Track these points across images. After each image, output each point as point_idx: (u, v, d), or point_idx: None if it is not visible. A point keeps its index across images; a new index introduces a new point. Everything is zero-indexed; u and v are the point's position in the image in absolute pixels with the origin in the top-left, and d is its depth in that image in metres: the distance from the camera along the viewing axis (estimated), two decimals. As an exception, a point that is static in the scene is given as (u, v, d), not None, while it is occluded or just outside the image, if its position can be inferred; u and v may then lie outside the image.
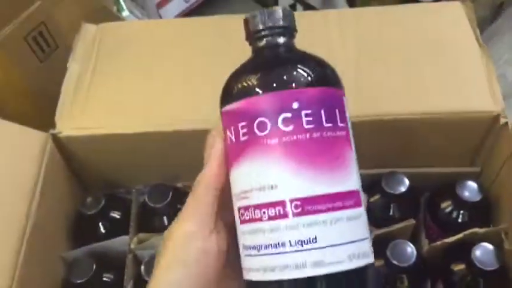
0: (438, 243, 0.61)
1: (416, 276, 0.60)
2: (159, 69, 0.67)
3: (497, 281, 0.58)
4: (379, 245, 0.60)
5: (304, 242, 0.27)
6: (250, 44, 0.32)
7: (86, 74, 0.67)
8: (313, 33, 0.67)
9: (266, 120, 0.28)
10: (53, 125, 0.63)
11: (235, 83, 0.30)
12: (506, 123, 0.59)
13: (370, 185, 0.66)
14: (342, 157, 0.29)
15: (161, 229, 0.63)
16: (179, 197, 0.63)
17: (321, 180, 0.27)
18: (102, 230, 0.65)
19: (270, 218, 0.27)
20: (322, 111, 0.28)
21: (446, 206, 0.64)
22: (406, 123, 0.60)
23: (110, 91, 0.66)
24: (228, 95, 0.30)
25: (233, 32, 0.74)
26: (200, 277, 0.29)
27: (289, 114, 0.27)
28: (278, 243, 0.27)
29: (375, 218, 0.65)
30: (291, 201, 0.27)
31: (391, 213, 0.64)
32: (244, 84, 0.29)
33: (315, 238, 0.27)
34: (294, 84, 0.28)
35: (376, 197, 0.65)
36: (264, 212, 0.28)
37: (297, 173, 0.27)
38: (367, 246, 0.29)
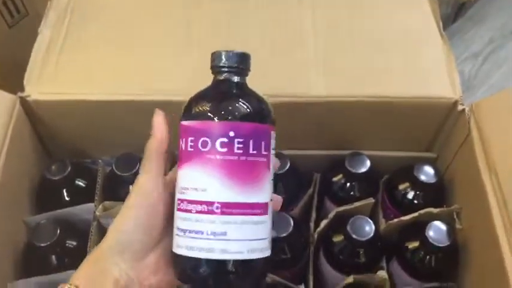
0: (395, 220, 0.64)
1: (373, 251, 0.63)
2: (131, 38, 0.67)
3: (447, 257, 0.61)
4: (340, 221, 0.63)
5: (217, 233, 0.36)
6: (212, 73, 0.40)
7: (58, 40, 0.67)
8: (286, 14, 0.69)
9: (208, 140, 0.37)
10: (20, 91, 0.62)
11: (193, 104, 0.39)
12: (464, 110, 0.62)
13: (334, 165, 0.69)
14: (259, 177, 0.38)
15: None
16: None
17: (240, 192, 0.37)
18: (67, 197, 0.65)
19: (197, 212, 0.37)
20: (251, 141, 0.37)
21: (404, 187, 0.67)
22: (370, 105, 0.63)
23: (81, 58, 0.66)
24: (187, 112, 0.39)
25: (206, 2, 0.76)
26: (153, 217, 0.38)
27: (225, 140, 0.37)
28: (198, 231, 0.37)
29: (337, 196, 0.67)
30: (214, 203, 0.36)
31: (352, 192, 0.67)
32: (199, 108, 0.38)
33: (225, 232, 0.36)
34: (234, 117, 0.37)
35: (339, 176, 0.67)
36: (194, 206, 0.37)
37: (223, 183, 0.36)
38: (265, 245, 0.38)
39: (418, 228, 0.61)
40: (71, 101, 0.62)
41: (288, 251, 0.62)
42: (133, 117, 0.64)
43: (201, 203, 0.37)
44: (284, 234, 0.59)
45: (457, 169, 0.66)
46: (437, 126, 0.67)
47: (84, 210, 0.64)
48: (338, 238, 0.63)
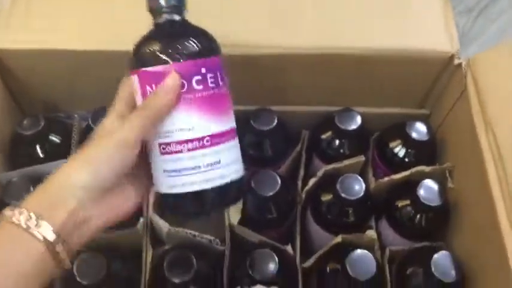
0: (385, 179, 0.62)
1: (362, 211, 0.61)
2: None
3: (438, 216, 0.60)
4: (329, 179, 0.60)
5: (212, 164, 0.40)
6: (153, 16, 0.41)
7: (27, -15, 0.61)
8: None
9: (183, 81, 0.38)
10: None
11: (152, 50, 0.39)
12: (460, 64, 0.59)
13: (323, 121, 0.66)
14: (229, 105, 0.42)
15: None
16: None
17: (220, 122, 0.40)
18: (41, 153, 0.61)
19: (189, 150, 0.39)
20: (218, 74, 0.40)
21: (395, 145, 0.64)
22: (359, 59, 0.60)
23: (52, 5, 0.61)
24: (147, 59, 0.39)
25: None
26: (119, 156, 0.38)
27: (199, 77, 0.38)
28: (195, 167, 0.39)
29: (326, 154, 0.65)
30: (204, 137, 0.39)
31: (341, 149, 0.64)
32: (162, 53, 0.38)
33: (219, 161, 0.40)
34: (201, 55, 0.39)
35: (329, 133, 0.64)
36: (184, 146, 0.39)
37: (207, 118, 0.39)
38: (242, 163, 0.43)
39: (409, 187, 0.59)
40: (42, 50, 0.58)
41: (274, 210, 0.59)
42: (109, 69, 0.60)
43: (191, 140, 0.39)
44: (271, 193, 0.56)
45: (450, 126, 0.64)
46: (431, 81, 0.64)
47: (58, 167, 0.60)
48: (327, 197, 0.60)
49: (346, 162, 0.62)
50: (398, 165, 0.63)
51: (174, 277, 0.51)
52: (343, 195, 0.57)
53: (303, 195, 0.62)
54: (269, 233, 0.60)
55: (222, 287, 0.56)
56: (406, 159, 0.64)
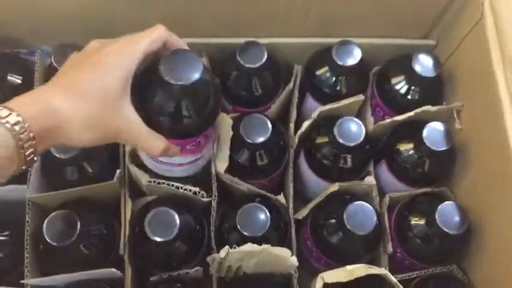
0: (387, 121, 0.56)
1: (361, 157, 0.55)
2: None
3: (444, 161, 0.55)
4: (325, 122, 0.54)
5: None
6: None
7: None
8: None
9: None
10: None
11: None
12: (477, -12, 0.52)
13: (318, 55, 0.59)
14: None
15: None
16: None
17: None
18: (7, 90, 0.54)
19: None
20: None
21: (397, 81, 0.58)
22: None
23: None
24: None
25: None
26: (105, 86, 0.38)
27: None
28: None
29: (322, 93, 0.58)
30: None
31: (339, 87, 0.57)
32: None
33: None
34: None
35: (325, 68, 0.57)
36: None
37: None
38: None
39: (413, 128, 0.54)
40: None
41: (265, 157, 0.54)
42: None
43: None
44: (261, 140, 0.51)
45: (461, 60, 0.57)
46: (442, 7, 0.56)
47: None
48: (322, 142, 0.55)
49: (344, 102, 0.56)
50: (400, 104, 0.57)
51: (156, 236, 0.46)
52: (341, 140, 0.51)
53: (296, 139, 0.56)
54: (259, 182, 0.55)
55: (209, 245, 0.51)
56: (410, 98, 0.57)
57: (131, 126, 0.40)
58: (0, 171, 0.33)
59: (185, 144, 0.47)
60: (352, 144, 0.51)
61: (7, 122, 0.33)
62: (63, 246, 0.46)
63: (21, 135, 0.33)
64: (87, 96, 0.37)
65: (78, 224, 0.47)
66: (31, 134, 0.34)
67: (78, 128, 0.37)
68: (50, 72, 0.56)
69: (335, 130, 0.51)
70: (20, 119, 0.33)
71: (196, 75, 0.40)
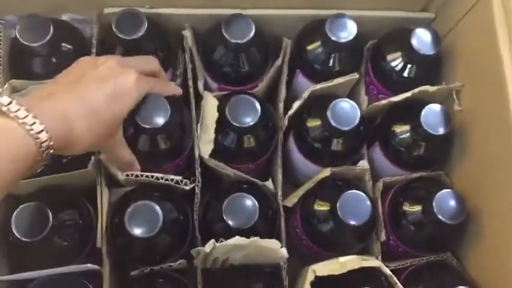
0: (383, 102, 0.53)
1: (355, 140, 0.52)
2: None
3: (442, 144, 0.52)
4: (317, 102, 0.51)
5: None
6: None
7: None
8: None
9: None
10: None
11: None
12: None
13: (309, 29, 0.54)
14: None
15: (39, 75, 0.49)
16: (62, 34, 0.48)
17: None
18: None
19: None
20: None
21: (393, 58, 0.54)
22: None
23: None
24: None
25: None
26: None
27: None
28: None
29: (313, 70, 0.54)
30: None
31: (332, 64, 0.53)
32: None
33: None
34: None
35: (316, 44, 0.53)
36: None
37: None
38: None
39: (410, 110, 0.50)
40: None
41: (252, 140, 0.50)
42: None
43: None
44: (249, 123, 0.47)
45: (462, 36, 0.54)
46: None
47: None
48: (314, 124, 0.51)
49: (338, 80, 0.52)
50: (396, 82, 0.54)
51: (138, 232, 0.42)
52: (334, 124, 0.48)
53: (285, 121, 0.53)
54: (246, 166, 0.52)
55: (193, 238, 0.48)
56: (407, 76, 0.54)
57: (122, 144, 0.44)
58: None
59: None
60: (346, 128, 0.48)
61: (31, 130, 0.34)
62: (33, 241, 0.42)
63: (43, 144, 0.35)
64: (101, 122, 0.39)
65: (50, 216, 0.43)
66: (51, 143, 0.35)
67: (85, 146, 0.39)
68: (14, 45, 0.51)
69: (328, 113, 0.48)
70: (43, 127, 0.35)
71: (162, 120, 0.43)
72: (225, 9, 0.54)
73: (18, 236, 0.42)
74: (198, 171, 0.50)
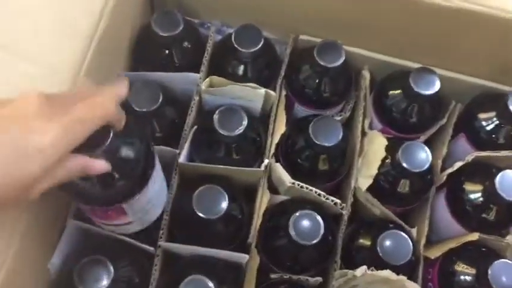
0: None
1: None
2: None
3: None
4: (482, 169, 0.52)
5: None
6: None
7: None
8: None
9: None
10: None
11: None
12: None
13: (489, 100, 0.56)
14: None
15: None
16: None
17: None
18: (175, 58, 0.55)
19: None
20: None
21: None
22: None
23: None
24: None
25: None
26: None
27: None
28: None
29: (480, 139, 0.56)
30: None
31: (501, 135, 0.55)
32: None
33: None
34: None
35: (490, 114, 0.55)
36: None
37: None
38: None
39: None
40: None
41: (408, 186, 0.52)
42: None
43: None
44: (417, 170, 0.49)
45: None
46: None
47: (186, 79, 0.54)
48: (475, 190, 0.52)
49: (505, 153, 0.53)
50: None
51: (301, 240, 0.46)
52: (502, 194, 0.48)
53: (444, 178, 0.55)
54: (393, 209, 0.54)
55: (331, 260, 0.50)
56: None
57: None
58: None
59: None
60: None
61: None
62: (207, 219, 0.46)
63: None
64: None
65: (226, 201, 0.46)
66: None
67: None
68: (220, 50, 0.57)
69: (496, 182, 0.49)
70: None
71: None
72: (407, 61, 0.57)
73: (197, 212, 0.46)
74: (350, 200, 0.53)
